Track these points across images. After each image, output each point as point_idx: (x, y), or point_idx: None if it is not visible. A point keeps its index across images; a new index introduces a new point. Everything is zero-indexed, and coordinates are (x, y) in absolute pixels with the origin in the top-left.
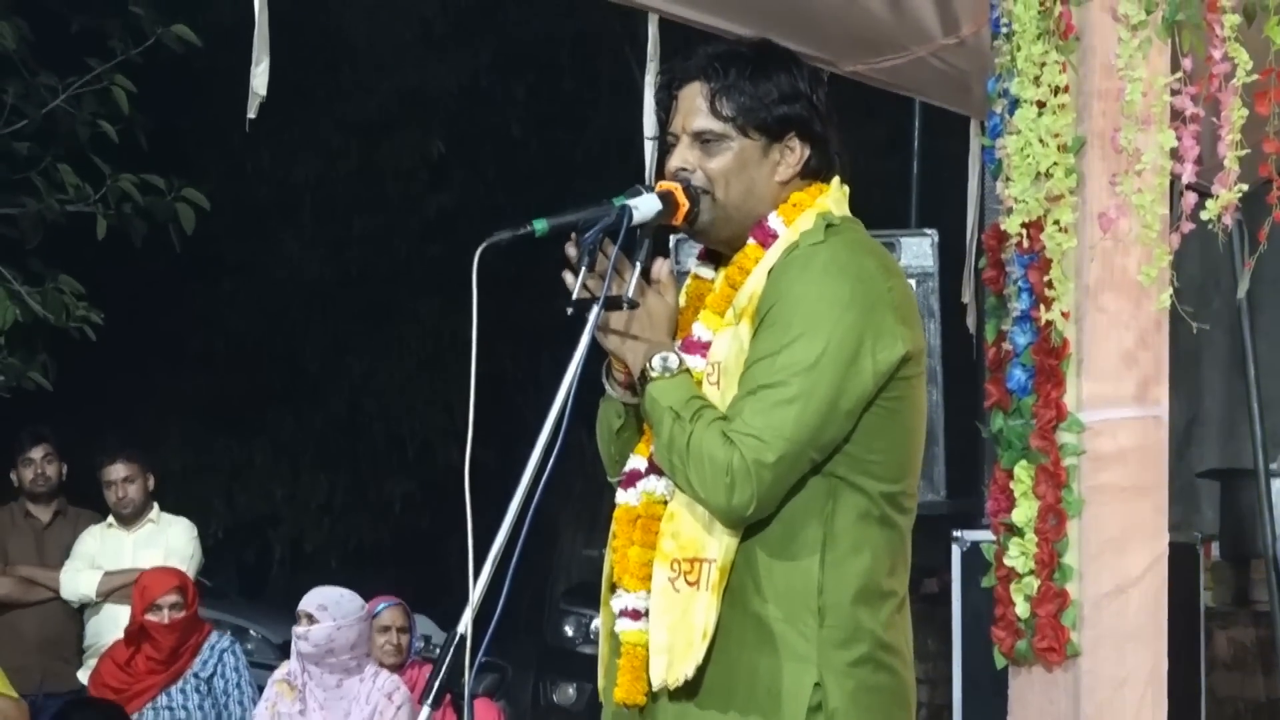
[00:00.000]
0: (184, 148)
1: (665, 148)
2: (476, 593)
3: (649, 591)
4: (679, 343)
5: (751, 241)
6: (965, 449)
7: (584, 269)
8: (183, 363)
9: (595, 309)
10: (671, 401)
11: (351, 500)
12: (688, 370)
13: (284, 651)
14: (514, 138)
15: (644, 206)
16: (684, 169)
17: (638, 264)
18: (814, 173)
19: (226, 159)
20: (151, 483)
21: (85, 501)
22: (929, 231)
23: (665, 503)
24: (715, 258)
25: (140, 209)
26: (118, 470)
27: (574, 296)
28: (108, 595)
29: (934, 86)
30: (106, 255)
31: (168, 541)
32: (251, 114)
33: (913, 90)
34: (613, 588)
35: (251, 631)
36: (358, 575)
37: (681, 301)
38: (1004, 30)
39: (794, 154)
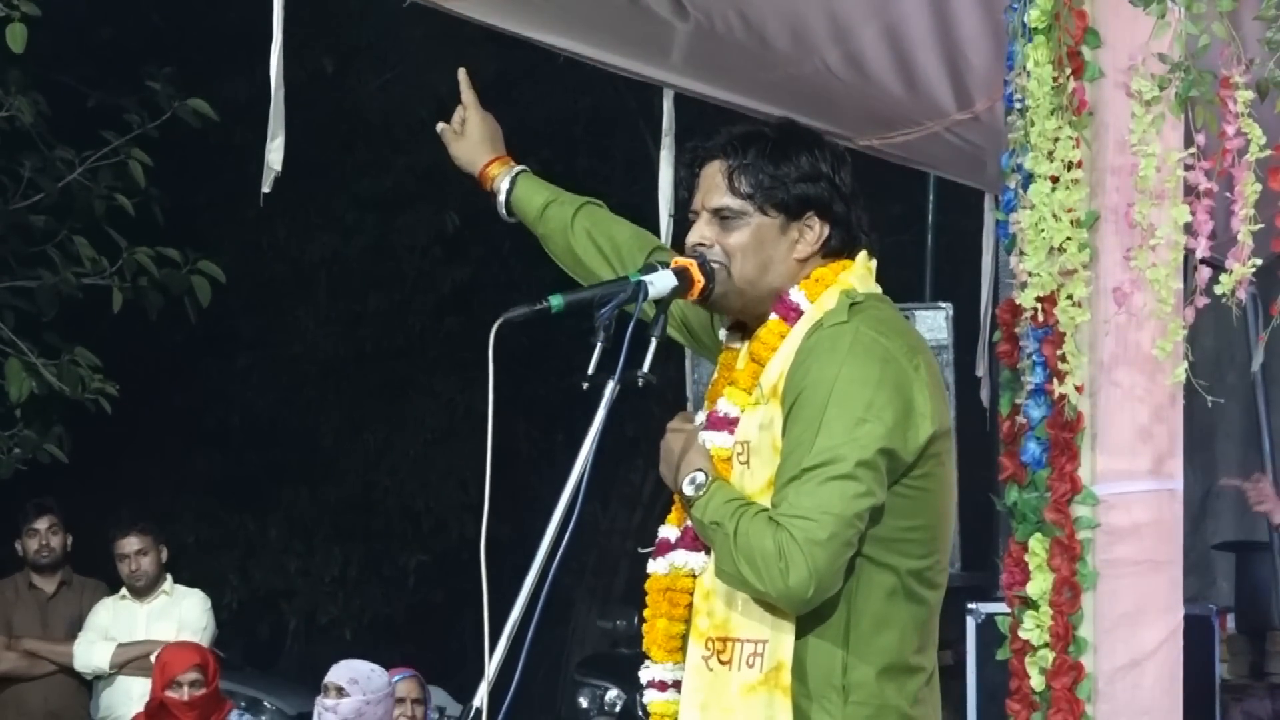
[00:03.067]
0: (199, 222)
1: (687, 225)
2: (492, 666)
3: (676, 663)
4: (705, 417)
5: (774, 316)
6: (979, 522)
7: (599, 345)
8: (197, 437)
9: (611, 384)
10: (713, 516)
11: (365, 573)
12: (718, 479)
13: None
14: None
15: (659, 283)
16: (701, 244)
17: (653, 340)
18: (835, 251)
19: (242, 234)
20: (165, 555)
21: (98, 574)
22: (943, 305)
23: (693, 576)
24: (743, 326)
25: (156, 282)
26: (131, 543)
27: (590, 372)
28: (121, 667)
29: (948, 161)
30: (122, 328)
31: (181, 614)
32: (266, 188)
33: (927, 165)
34: (645, 658)
35: (266, 703)
36: (372, 648)
37: (715, 373)
38: (1017, 106)
39: (813, 232)
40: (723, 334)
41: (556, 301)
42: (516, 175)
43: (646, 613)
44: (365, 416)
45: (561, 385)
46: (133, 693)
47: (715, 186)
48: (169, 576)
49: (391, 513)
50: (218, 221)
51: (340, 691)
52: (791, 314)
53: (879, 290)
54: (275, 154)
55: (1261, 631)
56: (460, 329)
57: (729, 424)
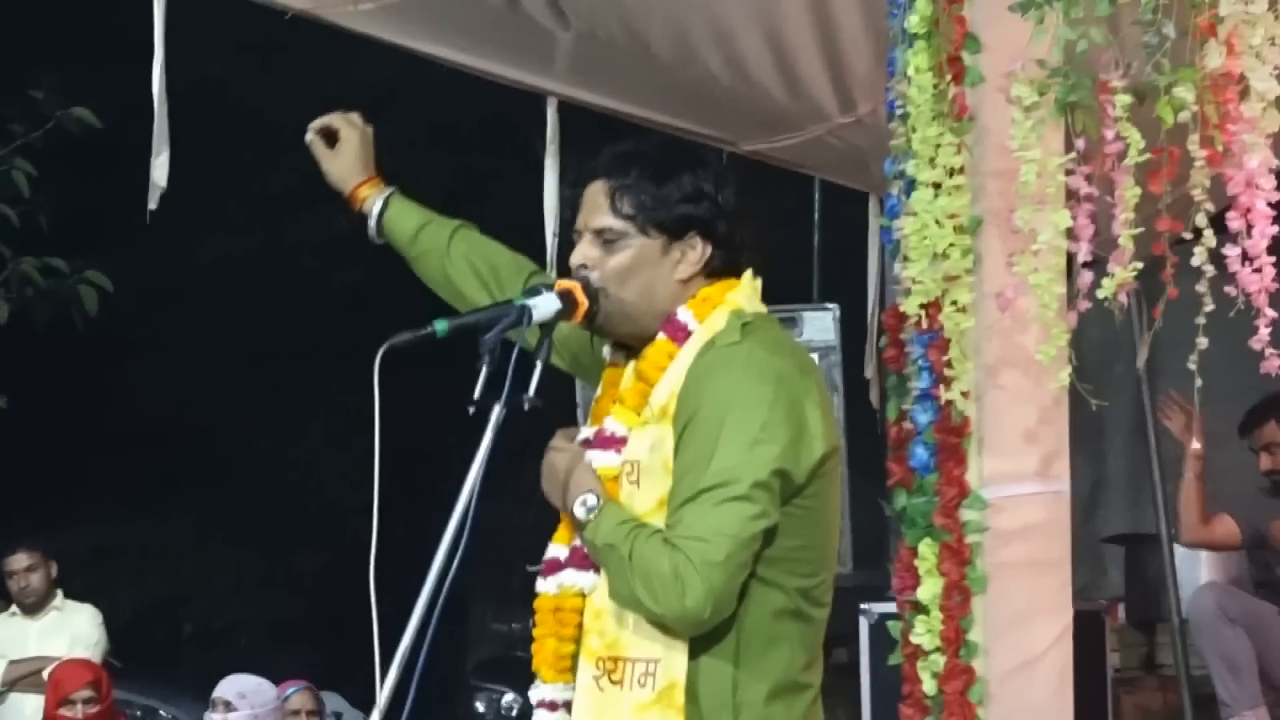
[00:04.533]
0: (86, 228)
1: (571, 244)
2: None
3: (566, 683)
4: (591, 435)
5: (662, 336)
6: (870, 521)
7: (485, 369)
8: (90, 445)
9: (497, 409)
10: (606, 538)
11: (261, 577)
12: (610, 501)
13: None
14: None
15: (543, 306)
16: (584, 265)
17: (538, 363)
18: (718, 271)
19: (131, 238)
20: (55, 570)
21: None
22: (830, 306)
23: (583, 595)
24: (626, 345)
25: (42, 292)
26: (19, 560)
27: (475, 396)
28: (12, 684)
29: (832, 164)
30: (9, 339)
31: (73, 629)
32: (152, 205)
33: (812, 168)
34: (534, 678)
35: (161, 712)
36: (269, 652)
37: (598, 390)
38: (899, 112)
39: (695, 252)
40: (606, 351)
41: (441, 326)
42: (389, 196)
43: (535, 632)
44: (259, 419)
45: (453, 382)
46: (25, 710)
47: (597, 207)
48: (59, 592)
49: (286, 515)
50: (105, 226)
51: (228, 706)
52: (680, 334)
53: (765, 309)
54: (160, 170)
55: (1152, 623)
56: (353, 330)
57: (616, 443)
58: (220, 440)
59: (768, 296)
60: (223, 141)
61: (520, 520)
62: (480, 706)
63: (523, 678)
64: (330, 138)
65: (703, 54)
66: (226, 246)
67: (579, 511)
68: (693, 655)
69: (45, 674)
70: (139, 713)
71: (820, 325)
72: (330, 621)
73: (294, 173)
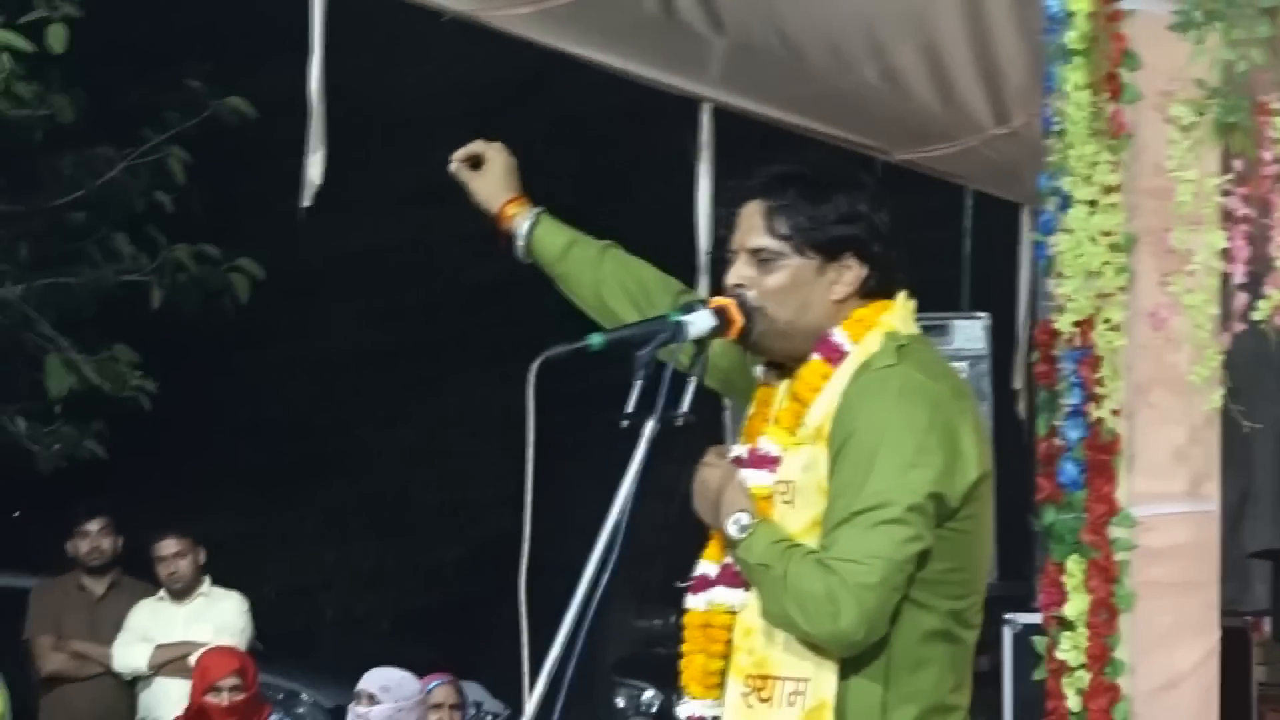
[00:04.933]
0: (238, 217)
1: (726, 263)
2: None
3: (714, 700)
4: (745, 454)
5: (816, 356)
6: (1016, 532)
7: (639, 383)
8: (234, 431)
9: (650, 423)
10: (760, 557)
11: (402, 566)
12: (763, 520)
13: (334, 716)
14: (565, 206)
15: (699, 322)
16: (740, 285)
17: (693, 380)
18: (872, 292)
19: (279, 226)
20: (202, 557)
21: (136, 570)
22: (981, 315)
23: (732, 613)
24: (779, 365)
25: (194, 279)
26: (168, 545)
27: (629, 410)
28: (160, 668)
29: (985, 175)
30: (160, 325)
31: (219, 615)
32: (306, 202)
33: (964, 178)
34: (682, 694)
35: (303, 695)
36: (408, 640)
37: (750, 408)
38: (1055, 128)
39: (850, 273)
40: (759, 370)
41: (596, 340)
42: (538, 215)
43: (684, 648)
44: (402, 410)
45: (593, 378)
46: (171, 694)
47: (754, 227)
48: (207, 578)
49: (428, 506)
50: (256, 215)
51: (372, 699)
52: (834, 355)
53: (919, 331)
54: (315, 168)
55: None
56: (496, 323)
57: (770, 462)
58: (362, 430)
59: (918, 304)
60: (369, 134)
61: (660, 517)
62: (620, 702)
63: (663, 674)
64: (474, 163)
65: (858, 64)
66: (371, 239)
67: (732, 530)
68: (842, 675)
69: (191, 659)
70: (280, 696)
71: (970, 334)
72: (469, 611)
73: (437, 167)
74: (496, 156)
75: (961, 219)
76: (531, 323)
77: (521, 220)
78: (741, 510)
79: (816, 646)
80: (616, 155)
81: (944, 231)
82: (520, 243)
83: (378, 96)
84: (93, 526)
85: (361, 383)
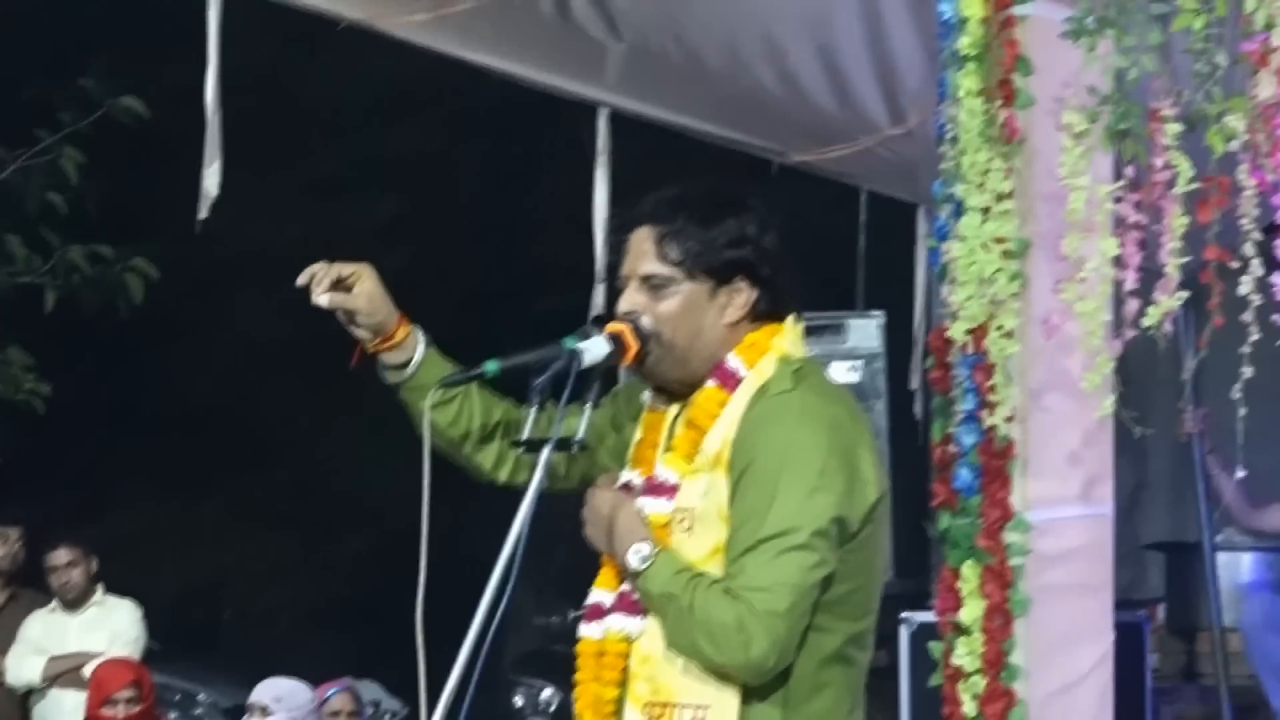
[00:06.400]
0: (134, 212)
1: (616, 290)
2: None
3: None
4: (641, 482)
5: (712, 383)
6: (913, 529)
7: (534, 410)
8: (133, 430)
9: (546, 450)
10: (663, 587)
11: (302, 562)
12: (664, 550)
13: (233, 716)
14: (467, 197)
15: (594, 349)
16: (633, 312)
17: (588, 406)
18: (764, 314)
19: (178, 223)
20: (95, 566)
21: (35, 581)
22: (875, 314)
23: (628, 640)
24: (667, 390)
25: (89, 279)
26: (60, 556)
27: (525, 437)
28: (53, 680)
29: (881, 176)
30: (56, 326)
31: (113, 624)
32: (203, 214)
33: (860, 179)
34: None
35: (200, 696)
36: (307, 636)
37: (638, 434)
38: (949, 135)
39: (742, 296)
40: (646, 396)
41: (492, 367)
42: (429, 341)
43: (578, 676)
44: (303, 404)
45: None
46: (65, 706)
47: (644, 253)
48: (100, 587)
49: (329, 501)
50: (153, 209)
51: (265, 710)
52: (730, 381)
53: (809, 354)
54: (212, 179)
55: (1192, 632)
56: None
57: (668, 490)
58: (261, 426)
59: (813, 303)
60: (265, 129)
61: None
62: (519, 700)
63: (561, 672)
64: (338, 284)
65: (755, 67)
66: (270, 233)
67: (632, 560)
68: (743, 701)
69: (86, 671)
70: (178, 696)
71: (865, 333)
72: (369, 607)
73: (335, 160)
74: (364, 275)
75: (857, 215)
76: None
77: (417, 342)
78: (641, 539)
79: (717, 673)
80: (518, 149)
81: (839, 229)
82: (413, 365)
83: (276, 90)
84: (12, 533)
85: (262, 378)
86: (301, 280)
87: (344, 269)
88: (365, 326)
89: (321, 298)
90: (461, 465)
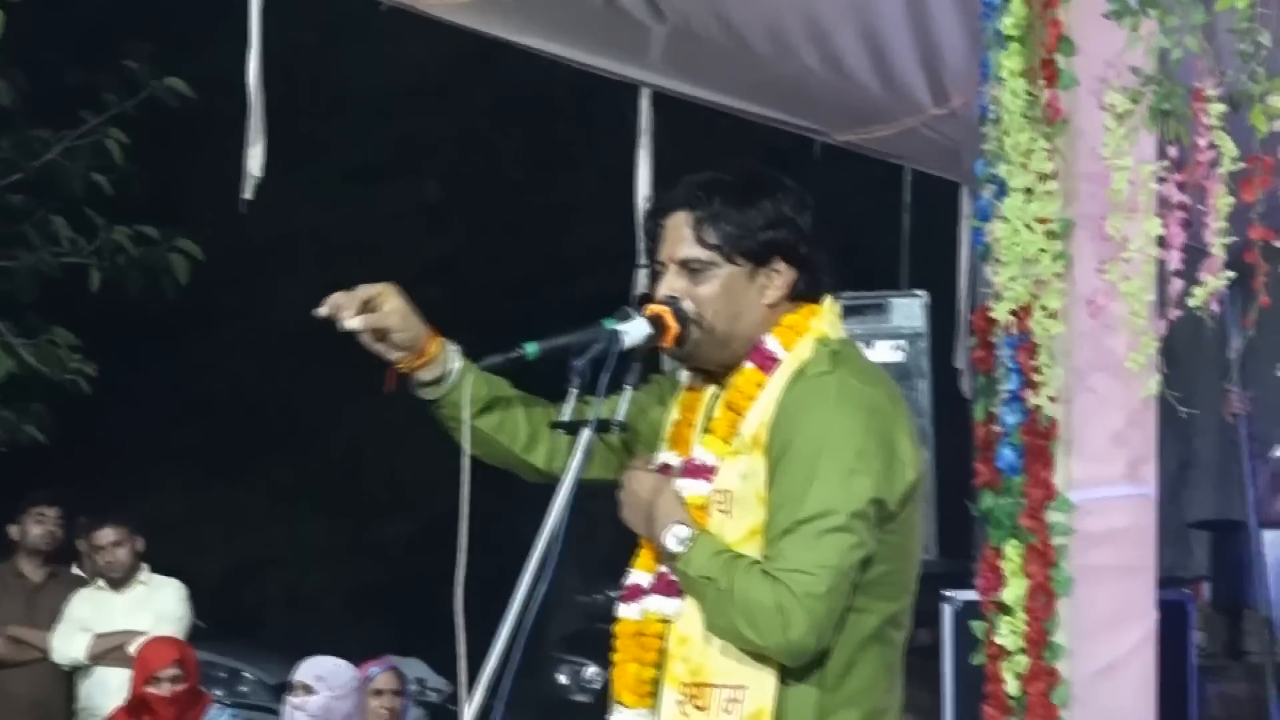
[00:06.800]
0: (179, 196)
1: (654, 274)
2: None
3: (647, 709)
4: (679, 464)
5: (750, 365)
6: (956, 509)
7: (574, 392)
8: (178, 412)
9: (586, 431)
10: (702, 570)
11: (348, 543)
12: (703, 532)
13: (278, 693)
14: (510, 180)
15: (634, 331)
16: (673, 297)
17: (628, 388)
18: (802, 295)
19: (222, 206)
20: (140, 545)
21: (73, 556)
22: (919, 293)
23: (666, 621)
24: (703, 369)
25: (134, 260)
26: (106, 534)
27: (565, 418)
28: (99, 658)
29: (925, 155)
30: (101, 306)
31: (158, 603)
32: (248, 195)
33: (904, 158)
34: (615, 702)
35: (246, 674)
36: (354, 617)
37: (674, 414)
38: (991, 115)
39: (780, 278)
40: (684, 376)
41: (532, 349)
42: (463, 355)
43: (615, 657)
44: (347, 388)
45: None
46: (110, 684)
47: (682, 238)
48: (145, 566)
49: (375, 482)
50: (197, 194)
51: (307, 689)
52: (768, 363)
53: (847, 335)
54: (255, 160)
55: (1238, 610)
56: (440, 299)
57: (707, 472)
58: (308, 408)
59: (857, 282)
60: (311, 112)
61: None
62: (563, 679)
63: (605, 651)
64: (364, 306)
65: (798, 48)
66: (315, 217)
67: (670, 542)
68: (780, 682)
69: (131, 649)
70: (224, 674)
71: (908, 312)
72: (416, 588)
73: (380, 143)
74: (390, 293)
75: (900, 195)
76: (476, 298)
77: (452, 358)
78: (679, 522)
79: (754, 654)
80: (560, 129)
81: (882, 208)
82: (452, 377)
83: (319, 75)
84: (51, 512)
85: (306, 361)
86: (323, 311)
87: (367, 290)
88: (398, 345)
89: (353, 321)
90: (515, 469)
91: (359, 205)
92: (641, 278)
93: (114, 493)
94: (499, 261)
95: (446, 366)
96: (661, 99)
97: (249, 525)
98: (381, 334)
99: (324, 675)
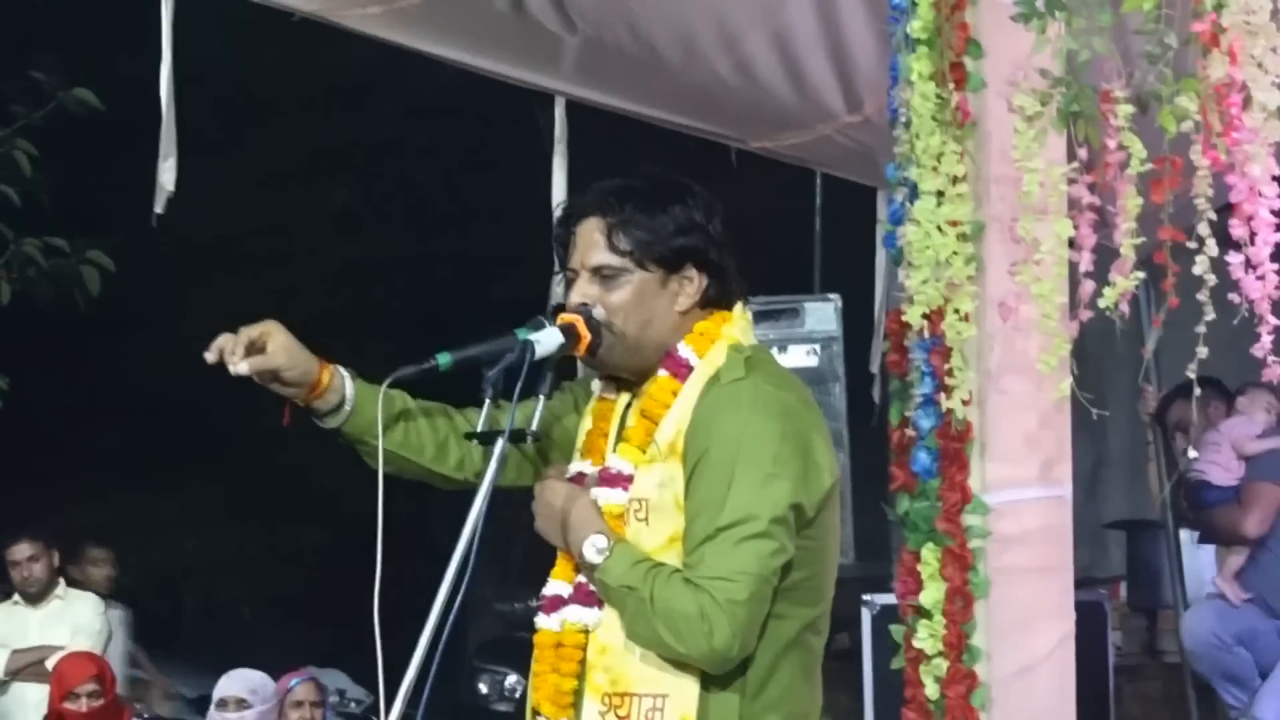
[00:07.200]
0: (89, 205)
1: (565, 282)
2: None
3: (567, 719)
4: (594, 473)
5: (664, 373)
6: (874, 512)
7: (488, 403)
8: (91, 423)
9: (500, 441)
10: (622, 579)
11: (264, 552)
12: (621, 541)
13: (197, 706)
14: (420, 185)
15: (546, 340)
16: (585, 304)
17: (541, 397)
18: (713, 301)
19: (132, 214)
20: (56, 559)
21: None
22: (832, 297)
23: (586, 632)
24: (616, 377)
25: (45, 272)
26: (22, 550)
27: (479, 429)
28: (15, 674)
29: (840, 161)
30: (11, 319)
31: (75, 618)
32: (159, 209)
33: (818, 164)
34: (534, 713)
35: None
36: (270, 627)
37: (587, 423)
38: (902, 118)
39: (692, 284)
40: (595, 385)
41: (445, 360)
42: (354, 376)
43: (535, 668)
44: (259, 395)
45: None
46: (28, 700)
47: (594, 244)
48: (61, 581)
49: (289, 491)
50: (107, 203)
51: (241, 703)
52: (682, 370)
53: (758, 341)
54: (167, 174)
55: (1153, 609)
56: (354, 304)
57: (623, 480)
58: (220, 416)
59: (770, 286)
60: (219, 118)
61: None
62: (483, 688)
63: (525, 659)
64: (250, 348)
65: (710, 57)
66: (225, 225)
67: (589, 553)
68: (701, 689)
69: (48, 664)
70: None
71: (822, 316)
72: (331, 596)
73: (290, 149)
74: (275, 331)
75: (813, 198)
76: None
77: (345, 381)
78: (597, 531)
79: (675, 661)
80: (470, 134)
81: (796, 212)
82: (349, 402)
83: (230, 81)
84: None
85: (219, 370)
86: (211, 357)
87: (251, 332)
88: (290, 381)
89: (240, 365)
90: (427, 480)
91: (271, 211)
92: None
93: (29, 505)
94: (410, 267)
95: (343, 393)
96: (575, 106)
97: (164, 535)
98: (271, 374)
99: (256, 688)
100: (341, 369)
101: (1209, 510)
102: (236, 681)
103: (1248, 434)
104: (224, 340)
